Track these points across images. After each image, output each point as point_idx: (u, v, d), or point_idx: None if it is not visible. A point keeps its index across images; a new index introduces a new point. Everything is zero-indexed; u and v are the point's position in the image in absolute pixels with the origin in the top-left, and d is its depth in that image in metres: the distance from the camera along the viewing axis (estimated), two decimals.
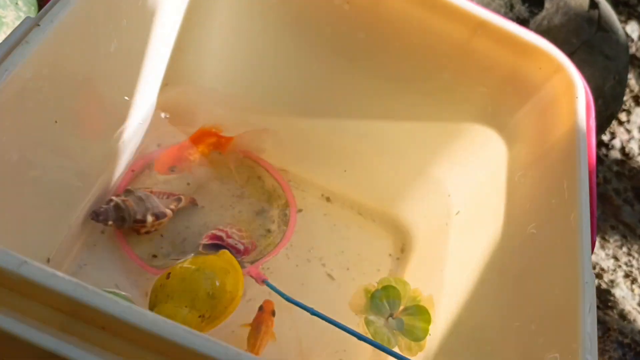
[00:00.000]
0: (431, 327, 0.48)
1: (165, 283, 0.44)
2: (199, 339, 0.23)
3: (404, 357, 0.41)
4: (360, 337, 0.41)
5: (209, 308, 0.44)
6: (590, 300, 0.33)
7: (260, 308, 0.48)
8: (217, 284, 0.44)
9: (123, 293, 0.44)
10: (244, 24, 0.51)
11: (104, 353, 0.24)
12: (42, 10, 0.33)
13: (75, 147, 0.45)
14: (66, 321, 0.24)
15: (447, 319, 0.48)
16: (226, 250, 0.49)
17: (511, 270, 0.42)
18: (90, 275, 0.48)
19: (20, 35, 0.31)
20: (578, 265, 0.34)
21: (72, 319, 0.24)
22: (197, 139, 0.55)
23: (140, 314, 0.24)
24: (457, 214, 0.55)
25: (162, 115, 0.54)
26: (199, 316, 0.44)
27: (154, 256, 0.52)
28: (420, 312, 0.49)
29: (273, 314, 0.48)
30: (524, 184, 0.46)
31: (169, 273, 0.44)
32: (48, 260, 0.45)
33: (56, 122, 0.36)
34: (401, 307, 0.49)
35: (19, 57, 0.31)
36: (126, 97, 0.49)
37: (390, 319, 0.49)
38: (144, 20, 0.42)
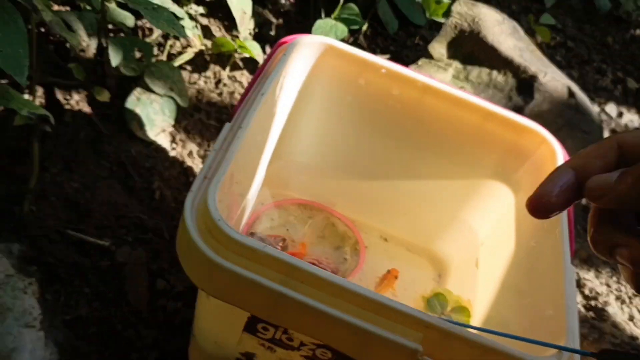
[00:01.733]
0: (471, 321, 0.68)
1: None
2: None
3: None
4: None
5: None
6: (569, 280, 0.54)
7: (388, 271, 0.74)
8: None
9: None
10: (326, 116, 0.76)
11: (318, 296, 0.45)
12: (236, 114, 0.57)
13: None
14: (284, 279, 0.46)
15: (480, 315, 0.68)
16: None
17: (521, 273, 0.63)
18: None
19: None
20: (561, 261, 0.56)
21: (288, 278, 0.46)
22: None
23: (332, 277, 0.45)
24: (482, 245, 0.76)
25: None
26: None
27: None
28: (463, 311, 0.69)
29: (396, 277, 0.74)
30: (527, 216, 0.67)
31: None
32: None
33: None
34: (448, 308, 0.70)
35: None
36: None
37: (442, 315, 0.69)
38: (271, 117, 0.67)
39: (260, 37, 1.11)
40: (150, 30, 1.00)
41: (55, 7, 0.91)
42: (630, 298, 0.90)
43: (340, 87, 0.74)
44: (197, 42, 1.03)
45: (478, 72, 0.99)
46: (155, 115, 0.89)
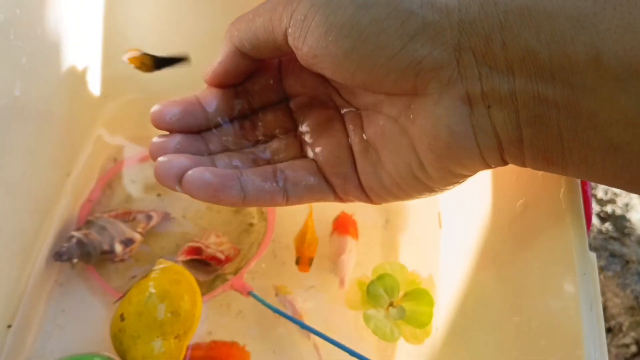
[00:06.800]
0: (435, 309, 0.45)
1: (123, 326, 0.41)
2: None
3: None
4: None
5: (179, 325, 0.42)
6: (590, 297, 0.29)
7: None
8: (174, 300, 0.42)
9: (105, 354, 0.42)
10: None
11: None
12: None
13: (23, 183, 0.42)
14: None
15: (449, 296, 0.45)
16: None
17: (504, 252, 0.39)
18: (74, 318, 0.46)
19: None
20: (572, 255, 0.30)
21: None
22: None
23: None
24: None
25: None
26: (175, 338, 0.42)
27: (134, 277, 0.49)
28: (421, 296, 0.45)
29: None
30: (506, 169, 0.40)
31: (122, 314, 0.41)
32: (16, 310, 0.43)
33: None
34: (400, 293, 0.46)
35: None
36: None
37: (390, 308, 0.46)
38: (52, 51, 0.37)
39: None
40: None
41: None
42: None
43: None
44: None
45: None
46: None
